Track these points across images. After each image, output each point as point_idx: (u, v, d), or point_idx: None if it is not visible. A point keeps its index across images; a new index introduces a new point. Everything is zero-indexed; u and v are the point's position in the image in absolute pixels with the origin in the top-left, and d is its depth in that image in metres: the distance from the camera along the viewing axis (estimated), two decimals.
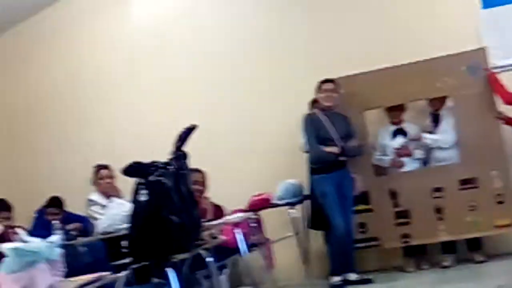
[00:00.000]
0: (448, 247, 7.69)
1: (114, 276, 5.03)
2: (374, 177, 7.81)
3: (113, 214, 6.83)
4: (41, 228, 8.06)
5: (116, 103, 9.28)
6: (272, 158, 8.40)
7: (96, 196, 7.71)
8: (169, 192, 5.12)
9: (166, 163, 5.27)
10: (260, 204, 7.66)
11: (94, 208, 7.58)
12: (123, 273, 5.13)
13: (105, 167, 7.87)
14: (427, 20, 8.02)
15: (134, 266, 5.30)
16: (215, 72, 8.81)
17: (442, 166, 7.72)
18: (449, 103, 7.81)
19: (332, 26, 8.36)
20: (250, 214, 7.22)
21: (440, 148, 7.78)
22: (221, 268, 6.84)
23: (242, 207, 7.62)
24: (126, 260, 5.21)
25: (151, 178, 5.18)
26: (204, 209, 7.29)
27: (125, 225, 5.68)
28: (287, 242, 7.64)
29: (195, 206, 5.38)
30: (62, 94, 9.47)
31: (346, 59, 8.07)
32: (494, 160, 7.44)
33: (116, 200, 7.21)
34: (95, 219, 7.32)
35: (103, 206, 7.42)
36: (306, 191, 7.66)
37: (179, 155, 5.42)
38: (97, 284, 4.65)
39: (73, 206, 8.02)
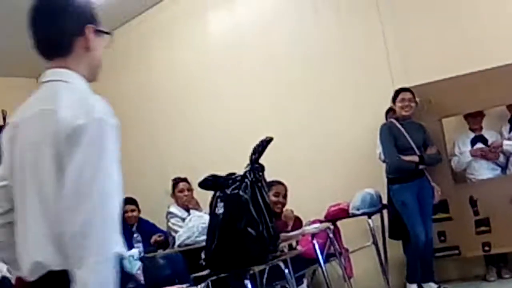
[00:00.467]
0: None
1: None
2: (453, 185, 7.72)
3: (191, 226, 6.92)
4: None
5: (194, 117, 9.37)
6: (349, 167, 8.36)
7: (175, 209, 7.83)
8: (246, 205, 5.16)
9: (243, 176, 5.31)
10: (338, 214, 7.66)
11: (173, 220, 7.70)
12: (202, 285, 5.19)
13: (183, 179, 7.98)
14: (505, 25, 7.87)
15: (213, 278, 5.37)
16: (292, 85, 8.78)
17: None
18: None
19: (411, 32, 8.26)
20: (327, 224, 7.21)
21: None
22: (299, 279, 6.86)
23: (320, 217, 7.62)
24: (205, 272, 5.28)
25: (227, 191, 5.24)
26: (284, 222, 7.33)
27: (204, 238, 5.75)
28: (366, 252, 7.62)
29: (272, 218, 5.40)
30: (139, 108, 9.62)
31: (423, 66, 7.99)
32: None
33: (195, 212, 7.31)
34: (175, 231, 7.41)
35: (183, 219, 7.52)
36: (384, 200, 7.63)
37: (256, 168, 5.46)
38: None
39: (151, 217, 8.17)
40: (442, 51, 7.99)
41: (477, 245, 7.51)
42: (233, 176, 5.38)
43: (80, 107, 2.30)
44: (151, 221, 8.48)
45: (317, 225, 7.12)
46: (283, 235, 6.22)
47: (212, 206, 5.30)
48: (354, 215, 7.60)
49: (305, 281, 7.35)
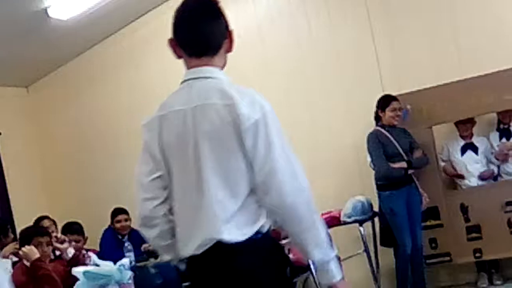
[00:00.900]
0: None
1: None
2: (444, 192, 7.74)
3: None
4: (111, 247, 8.22)
5: None
6: (340, 175, 8.37)
7: None
8: None
9: None
10: (329, 222, 7.63)
11: None
12: None
13: None
14: (496, 33, 7.90)
15: None
16: (283, 94, 8.73)
17: None
18: None
19: (401, 40, 8.27)
20: None
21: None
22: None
23: None
24: (186, 284, 5.26)
25: None
26: (276, 231, 7.30)
27: None
28: (357, 260, 7.62)
29: None
30: (132, 116, 9.60)
31: (413, 74, 8.00)
32: None
33: None
34: None
35: None
36: (375, 208, 7.64)
37: None
38: None
39: None
40: (433, 58, 8.02)
41: (468, 251, 7.53)
42: None
43: (253, 103, 2.78)
44: None
45: None
46: None
47: None
48: (345, 223, 7.59)
49: None
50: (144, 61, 9.62)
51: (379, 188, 7.37)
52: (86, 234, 7.77)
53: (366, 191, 7.69)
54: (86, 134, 9.97)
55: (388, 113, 7.39)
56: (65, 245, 6.65)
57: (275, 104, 2.90)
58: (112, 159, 9.75)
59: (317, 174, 8.35)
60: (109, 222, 8.65)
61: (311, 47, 8.69)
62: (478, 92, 7.47)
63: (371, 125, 7.65)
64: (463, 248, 7.55)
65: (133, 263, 6.92)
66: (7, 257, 6.74)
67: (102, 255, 6.52)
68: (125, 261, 5.66)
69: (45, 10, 8.10)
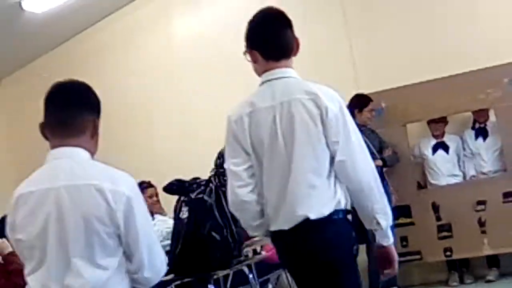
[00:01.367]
0: (492, 261, 7.62)
1: None
2: (416, 191, 7.79)
3: (156, 231, 6.87)
4: None
5: (158, 120, 9.34)
6: None
7: None
8: (210, 209, 5.16)
9: (208, 180, 5.31)
10: None
11: None
12: None
13: (150, 185, 7.90)
14: (470, 32, 7.94)
15: (177, 282, 5.35)
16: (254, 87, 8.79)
17: (484, 179, 7.68)
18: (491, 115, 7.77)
19: (376, 39, 8.29)
20: None
21: (483, 160, 7.74)
22: (263, 284, 6.86)
23: None
24: (169, 277, 5.26)
25: (192, 195, 5.24)
26: None
27: (168, 242, 5.73)
28: None
29: (236, 223, 5.40)
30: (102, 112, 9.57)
31: (388, 72, 8.02)
32: None
33: (158, 217, 7.28)
34: None
35: None
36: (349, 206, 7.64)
37: (221, 172, 5.46)
38: None
39: None
40: (408, 57, 8.05)
41: (439, 250, 7.57)
42: (197, 181, 5.38)
43: (332, 97, 3.37)
44: None
45: None
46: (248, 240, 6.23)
47: (177, 210, 5.30)
48: None
49: (269, 286, 7.34)
50: (112, 58, 9.62)
51: None
52: None
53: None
54: None
55: (365, 114, 7.42)
56: None
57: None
58: None
59: None
60: None
61: None
62: (452, 92, 7.53)
63: None
64: (434, 246, 7.59)
65: None
66: None
67: None
68: None
69: (19, 3, 8.04)
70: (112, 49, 9.67)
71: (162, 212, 7.63)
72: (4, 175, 9.87)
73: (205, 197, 5.17)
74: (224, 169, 5.44)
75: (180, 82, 9.21)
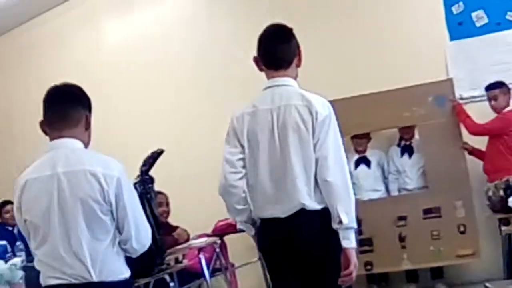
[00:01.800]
0: (411, 276, 7.75)
1: None
2: None
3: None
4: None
5: None
6: None
7: None
8: None
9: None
10: (225, 229, 7.65)
11: None
12: None
13: None
14: (397, 51, 8.07)
15: None
16: (184, 97, 8.76)
17: (406, 195, 7.80)
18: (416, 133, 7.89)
19: (308, 51, 8.33)
20: (215, 239, 7.20)
21: (408, 177, 7.85)
22: None
23: (207, 231, 7.60)
24: None
25: None
26: (171, 235, 7.26)
27: None
28: (251, 267, 7.63)
29: (160, 231, 5.37)
30: (27, 113, 9.41)
31: (314, 87, 8.06)
32: (458, 190, 7.48)
33: None
34: None
35: None
36: None
37: (145, 179, 5.42)
38: None
39: None
40: (335, 72, 8.14)
41: (360, 264, 7.57)
42: None
43: (323, 105, 3.80)
44: None
45: (204, 239, 7.10)
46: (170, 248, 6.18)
47: None
48: (242, 231, 7.58)
49: None
50: (39, 58, 9.51)
51: None
52: None
53: None
54: None
55: None
56: None
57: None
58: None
59: (215, 180, 8.35)
60: None
61: (214, 55, 8.73)
62: (377, 108, 7.62)
63: None
64: None
65: (25, 262, 6.76)
66: None
67: None
68: (17, 260, 5.54)
69: None
70: (39, 49, 9.55)
71: None
72: None
73: None
74: (149, 177, 5.46)
75: (105, 85, 9.10)
